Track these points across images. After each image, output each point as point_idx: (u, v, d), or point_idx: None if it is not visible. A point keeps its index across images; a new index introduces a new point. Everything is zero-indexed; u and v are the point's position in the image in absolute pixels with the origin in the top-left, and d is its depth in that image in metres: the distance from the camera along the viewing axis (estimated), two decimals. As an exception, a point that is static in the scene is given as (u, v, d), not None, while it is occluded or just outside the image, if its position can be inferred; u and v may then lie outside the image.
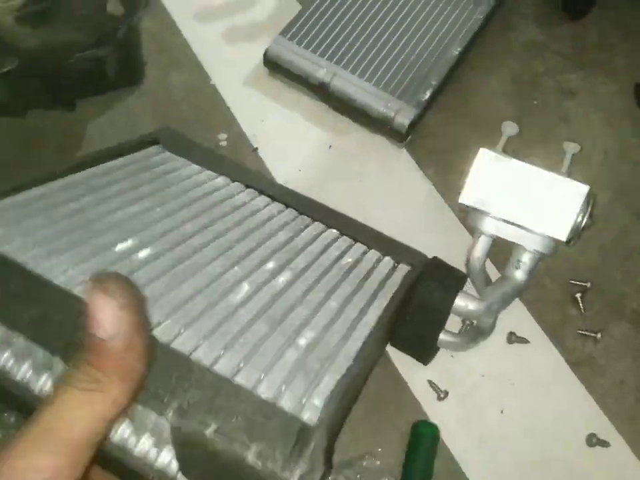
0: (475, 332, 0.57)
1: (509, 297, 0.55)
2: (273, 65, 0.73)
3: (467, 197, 0.54)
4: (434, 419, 0.58)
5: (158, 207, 0.49)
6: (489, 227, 0.54)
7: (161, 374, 0.33)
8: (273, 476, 0.30)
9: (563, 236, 0.52)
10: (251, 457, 0.31)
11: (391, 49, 0.72)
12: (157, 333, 0.37)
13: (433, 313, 0.53)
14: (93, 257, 0.42)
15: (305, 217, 0.55)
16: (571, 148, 0.56)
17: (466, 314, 0.55)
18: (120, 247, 0.44)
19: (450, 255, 0.56)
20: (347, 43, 0.72)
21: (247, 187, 0.56)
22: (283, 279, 0.47)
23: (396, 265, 0.54)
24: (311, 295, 0.46)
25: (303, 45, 0.72)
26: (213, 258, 0.46)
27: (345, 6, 0.75)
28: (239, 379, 0.35)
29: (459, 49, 0.73)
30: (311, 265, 0.49)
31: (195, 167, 0.57)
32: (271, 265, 0.47)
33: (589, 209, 0.53)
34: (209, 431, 0.31)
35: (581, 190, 0.52)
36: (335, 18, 0.74)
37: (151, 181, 0.52)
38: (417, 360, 0.57)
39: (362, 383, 0.43)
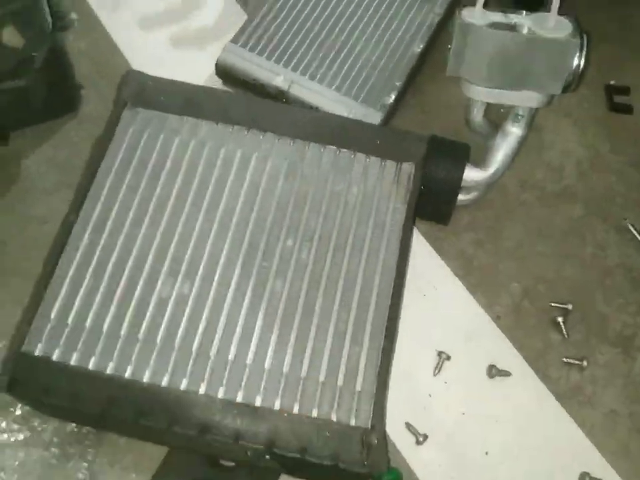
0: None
1: (512, 153, 0.59)
2: (226, 74, 0.67)
3: (452, 68, 0.55)
4: (413, 465, 0.54)
5: (170, 215, 0.52)
6: (480, 95, 0.56)
7: None
8: (357, 470, 0.46)
9: (557, 90, 0.54)
10: (341, 464, 0.45)
11: (350, 51, 0.67)
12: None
13: (448, 188, 0.57)
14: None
15: (299, 140, 0.56)
16: None
17: (475, 184, 0.59)
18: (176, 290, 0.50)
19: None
20: (303, 48, 0.67)
21: (234, 124, 0.57)
22: (304, 254, 0.52)
23: (399, 165, 0.55)
24: (332, 266, 0.52)
25: (256, 52, 0.66)
26: (240, 262, 0.51)
27: (298, 8, 0.69)
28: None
29: (421, 46, 0.68)
30: (323, 223, 0.53)
31: (173, 120, 0.56)
32: (289, 242, 0.52)
33: (583, 53, 0.53)
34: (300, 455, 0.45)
35: (569, 43, 0.51)
36: (289, 21, 0.68)
37: (149, 176, 0.54)
38: (437, 223, 0.62)
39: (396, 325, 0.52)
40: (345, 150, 0.56)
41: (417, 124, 0.67)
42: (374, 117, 0.63)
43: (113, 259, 0.50)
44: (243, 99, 0.59)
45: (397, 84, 0.65)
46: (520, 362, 0.58)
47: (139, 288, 0.49)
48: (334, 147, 0.56)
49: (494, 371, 0.57)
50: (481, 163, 0.59)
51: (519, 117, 0.56)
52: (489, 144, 0.60)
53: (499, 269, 0.61)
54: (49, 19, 0.53)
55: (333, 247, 0.52)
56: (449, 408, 0.56)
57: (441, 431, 0.55)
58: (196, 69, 0.69)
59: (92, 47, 0.71)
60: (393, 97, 0.65)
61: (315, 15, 0.68)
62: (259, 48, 0.66)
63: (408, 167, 0.55)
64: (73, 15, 0.73)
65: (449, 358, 0.57)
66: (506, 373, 0.57)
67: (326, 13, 0.69)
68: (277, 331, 0.49)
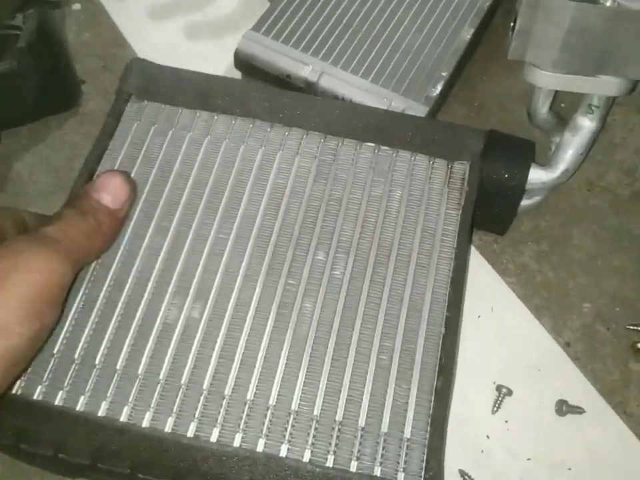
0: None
1: (585, 151, 0.50)
2: (246, 66, 0.59)
3: (516, 50, 0.46)
4: (471, 523, 0.45)
5: (179, 223, 0.45)
6: (548, 82, 0.47)
7: None
8: None
9: None
10: None
11: (389, 37, 0.59)
12: None
13: (510, 191, 0.49)
14: None
15: (331, 137, 0.48)
16: None
17: (540, 186, 0.50)
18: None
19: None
20: (335, 34, 0.59)
21: (255, 119, 0.49)
22: (338, 271, 0.44)
23: (451, 164, 0.47)
24: (372, 285, 0.43)
25: (281, 40, 0.58)
26: (261, 279, 0.43)
27: (330, -11, 0.61)
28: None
29: (471, 31, 0.60)
30: (361, 233, 0.45)
31: (184, 114, 0.49)
32: (320, 256, 0.44)
33: None
34: None
35: None
36: (319, 5, 0.60)
37: (154, 179, 0.47)
38: (492, 232, 0.54)
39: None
40: (386, 147, 0.48)
41: (465, 121, 0.59)
42: (417, 111, 0.54)
43: (109, 277, 0.42)
44: (264, 90, 0.50)
45: (444, 74, 0.57)
46: (594, 397, 0.48)
47: (139, 310, 0.41)
48: (372, 144, 0.48)
49: (564, 408, 0.48)
50: (547, 162, 0.50)
51: (593, 108, 0.48)
52: (555, 140, 0.52)
53: (567, 286, 0.52)
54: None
55: (372, 261, 0.44)
56: (512, 452, 0.47)
57: (502, 481, 0.46)
58: (212, 62, 0.62)
59: (97, 40, 0.64)
60: (439, 88, 0.56)
61: (347, -3, 0.61)
62: (283, 35, 0.58)
63: (461, 167, 0.47)
64: (77, 6, 0.66)
65: (510, 393, 0.48)
66: (578, 410, 0.48)
67: (360, -4, 0.61)
68: (306, 364, 0.40)
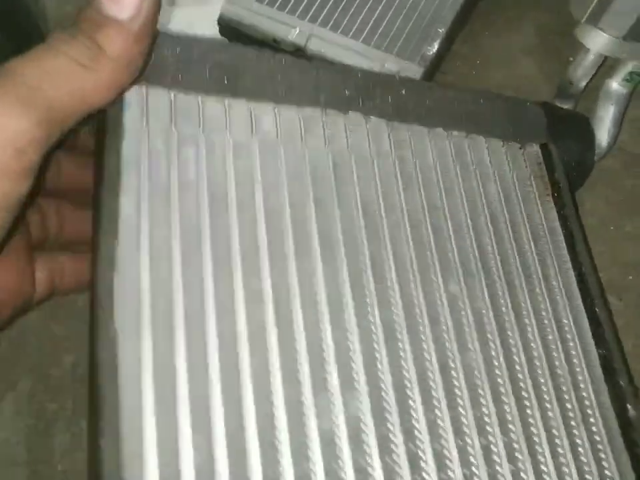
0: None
1: (622, 117, 0.49)
2: (231, 32, 0.56)
3: (594, 16, 0.43)
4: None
5: (279, 273, 0.31)
6: (603, 46, 0.44)
7: None
8: None
9: None
10: None
11: (380, -7, 0.55)
12: None
13: (578, 175, 0.45)
14: None
15: (397, 124, 0.38)
16: None
17: None
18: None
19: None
20: (323, -7, 0.55)
21: (299, 105, 0.36)
22: (479, 302, 0.34)
23: (522, 148, 0.41)
24: (517, 316, 0.35)
25: (265, 2, 0.55)
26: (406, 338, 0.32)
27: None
28: None
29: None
30: (478, 248, 0.36)
31: (210, 106, 0.34)
32: (453, 287, 0.34)
33: None
34: None
35: None
36: (305, -39, 0.57)
37: (209, 209, 0.31)
38: None
39: None
40: (456, 132, 0.39)
41: (467, 79, 0.56)
42: (412, 73, 0.51)
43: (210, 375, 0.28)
44: (302, 64, 0.38)
45: (440, 30, 0.53)
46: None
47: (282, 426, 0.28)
48: (442, 129, 0.39)
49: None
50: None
51: (634, 76, 0.45)
52: (564, 104, 0.48)
53: (577, 254, 0.50)
54: None
55: (504, 283, 0.35)
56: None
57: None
58: (194, 30, 0.58)
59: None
60: (436, 46, 0.52)
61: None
62: (269, -3, 0.55)
63: (533, 150, 0.41)
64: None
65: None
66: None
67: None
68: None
